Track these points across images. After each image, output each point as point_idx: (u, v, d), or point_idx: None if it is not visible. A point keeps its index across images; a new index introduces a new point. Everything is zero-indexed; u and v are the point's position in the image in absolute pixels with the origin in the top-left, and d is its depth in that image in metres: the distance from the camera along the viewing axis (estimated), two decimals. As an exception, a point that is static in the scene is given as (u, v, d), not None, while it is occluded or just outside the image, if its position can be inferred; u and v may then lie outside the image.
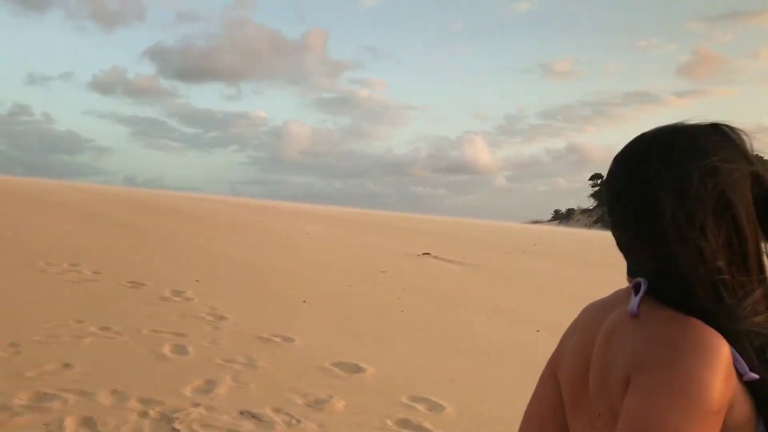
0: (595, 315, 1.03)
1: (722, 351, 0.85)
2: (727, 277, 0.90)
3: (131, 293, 7.80)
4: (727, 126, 0.97)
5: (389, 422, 4.31)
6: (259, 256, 12.53)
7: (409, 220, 37.11)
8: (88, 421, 3.82)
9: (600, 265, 17.99)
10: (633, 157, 0.99)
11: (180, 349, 5.57)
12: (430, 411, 4.64)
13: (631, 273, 1.01)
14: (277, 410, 4.30)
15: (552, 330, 8.01)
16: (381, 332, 7.18)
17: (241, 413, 4.19)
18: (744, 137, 0.97)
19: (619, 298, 1.01)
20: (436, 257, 14.94)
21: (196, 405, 4.24)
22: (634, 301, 0.93)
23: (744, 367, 0.87)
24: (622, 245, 1.01)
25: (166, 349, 5.52)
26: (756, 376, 0.87)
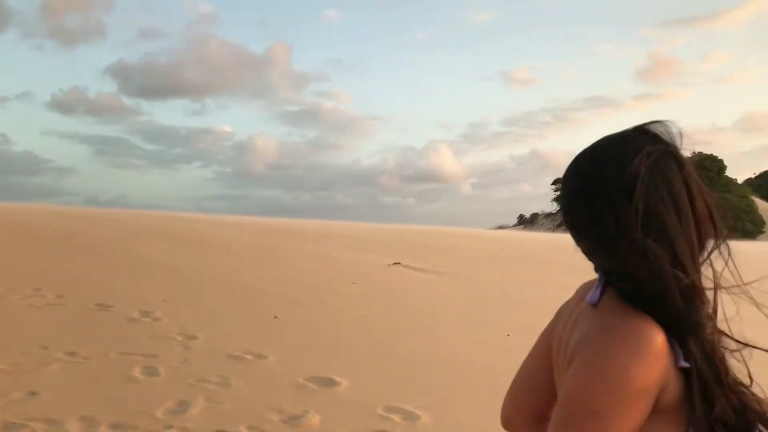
0: (576, 298, 1.13)
1: (653, 340, 0.91)
2: (669, 272, 0.95)
3: (98, 316, 7.64)
4: (659, 127, 1.03)
5: (366, 434, 4.30)
6: (228, 273, 12.39)
7: (378, 230, 37.12)
8: (57, 450, 3.73)
9: (565, 268, 18.26)
10: (580, 165, 1.05)
11: (151, 371, 5.47)
12: (405, 421, 4.64)
13: (595, 267, 1.09)
14: (252, 428, 4.26)
15: (523, 334, 8.08)
16: (354, 344, 7.16)
17: (216, 433, 4.14)
18: (675, 137, 1.03)
19: (588, 286, 1.13)
20: (406, 266, 14.97)
21: (170, 427, 4.17)
22: (594, 292, 1.01)
23: (679, 355, 0.93)
24: (579, 245, 1.09)
25: (137, 372, 5.42)
26: (687, 364, 0.93)
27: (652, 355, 0.90)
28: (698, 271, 0.98)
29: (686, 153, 1.02)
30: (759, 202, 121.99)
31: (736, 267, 1.00)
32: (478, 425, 4.63)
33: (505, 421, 1.28)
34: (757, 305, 1.02)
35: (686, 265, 0.95)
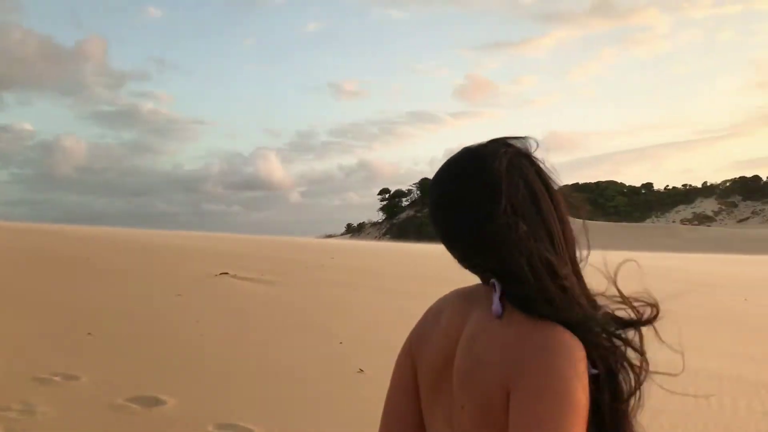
0: (459, 309, 1.08)
1: (581, 352, 0.93)
2: (556, 272, 0.99)
3: None
4: (512, 138, 1.10)
5: (196, 456, 4.03)
6: (32, 286, 11.14)
7: (203, 238, 35.68)
8: None
9: (395, 276, 18.83)
10: (447, 172, 1.08)
11: (-66, 402, 4.70)
12: (239, 438, 4.43)
13: (476, 271, 1.08)
14: (63, 459, 3.80)
15: (354, 342, 8.15)
16: (180, 359, 6.74)
17: (19, 469, 3.63)
18: (527, 144, 1.09)
19: (479, 294, 1.07)
20: (235, 276, 14.50)
21: (-41, 466, 3.58)
22: (496, 303, 0.99)
23: (589, 362, 0.95)
24: (458, 251, 1.07)
25: None
26: (595, 371, 0.95)
27: (584, 366, 0.92)
28: (572, 259, 1.05)
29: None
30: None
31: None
32: (315, 436, 4.54)
33: None
34: (625, 298, 1.05)
35: (557, 247, 1.02)
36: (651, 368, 0.99)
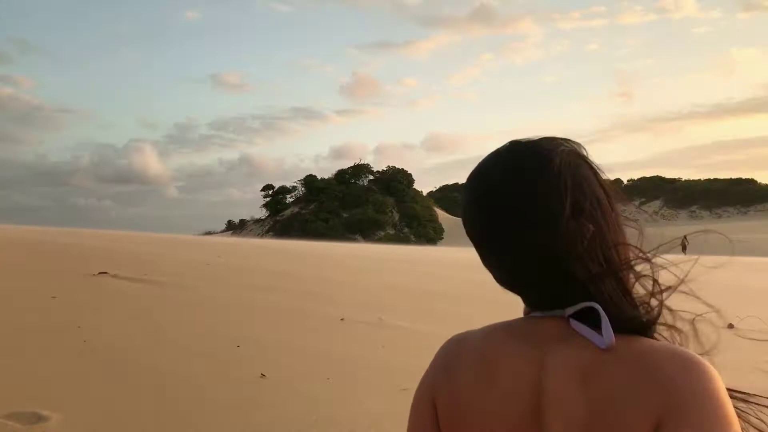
0: (522, 355, 0.92)
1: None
2: (633, 280, 0.92)
3: None
4: (556, 137, 1.00)
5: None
6: None
7: (73, 235, 33.27)
8: None
9: (284, 275, 18.49)
10: (509, 166, 0.94)
11: None
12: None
13: (545, 302, 0.95)
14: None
15: (253, 346, 7.84)
16: (63, 369, 6.17)
17: None
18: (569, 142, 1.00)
19: (542, 330, 0.93)
20: (115, 276, 13.57)
21: None
22: (607, 332, 0.86)
23: None
24: (528, 272, 0.93)
25: None
26: None
27: None
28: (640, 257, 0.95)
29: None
30: (439, 212, 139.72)
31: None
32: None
33: None
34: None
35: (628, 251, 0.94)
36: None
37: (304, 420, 5.20)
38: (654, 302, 0.91)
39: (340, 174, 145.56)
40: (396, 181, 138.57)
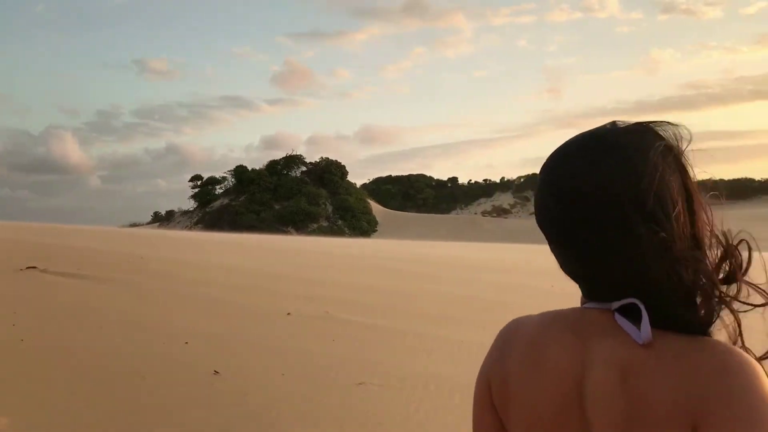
0: (567, 343, 0.93)
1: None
2: (703, 282, 0.90)
3: None
4: (658, 122, 0.97)
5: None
6: None
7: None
8: None
9: (222, 268, 18.12)
10: (591, 157, 0.92)
11: None
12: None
13: (598, 294, 0.95)
14: None
15: (202, 341, 7.67)
16: (3, 371, 5.86)
17: None
18: (679, 133, 0.96)
19: (590, 321, 0.94)
20: (45, 271, 12.95)
21: None
22: (645, 329, 0.87)
23: None
24: (587, 264, 0.93)
25: None
26: None
27: None
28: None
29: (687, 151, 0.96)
30: (373, 204, 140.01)
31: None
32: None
33: None
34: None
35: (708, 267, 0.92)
36: None
37: (264, 417, 5.14)
38: (713, 304, 0.90)
39: (272, 165, 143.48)
40: (329, 172, 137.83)
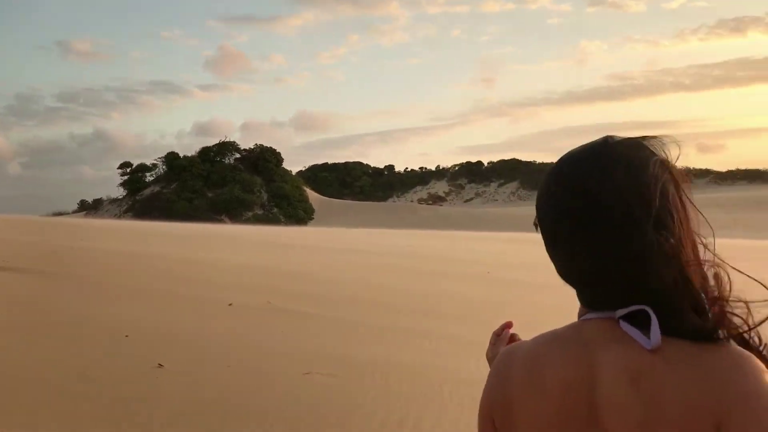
0: (572, 358, 0.95)
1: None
2: (701, 287, 0.92)
3: None
4: (650, 137, 1.00)
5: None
6: None
7: None
8: None
9: (159, 258, 17.69)
10: (595, 169, 0.95)
11: None
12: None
13: (603, 302, 0.96)
14: None
15: (142, 334, 7.51)
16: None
17: None
18: (660, 146, 1.00)
19: (594, 333, 0.95)
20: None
21: None
22: (655, 334, 0.89)
23: None
24: (592, 273, 0.95)
25: None
26: None
27: None
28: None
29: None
30: (309, 192, 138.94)
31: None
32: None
33: None
34: None
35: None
36: None
37: (213, 411, 5.10)
38: (719, 309, 0.92)
39: (205, 151, 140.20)
40: (264, 159, 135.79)
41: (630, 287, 0.92)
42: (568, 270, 0.98)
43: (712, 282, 0.93)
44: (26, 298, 9.60)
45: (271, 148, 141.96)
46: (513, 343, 1.08)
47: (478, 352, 1.08)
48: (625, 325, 0.92)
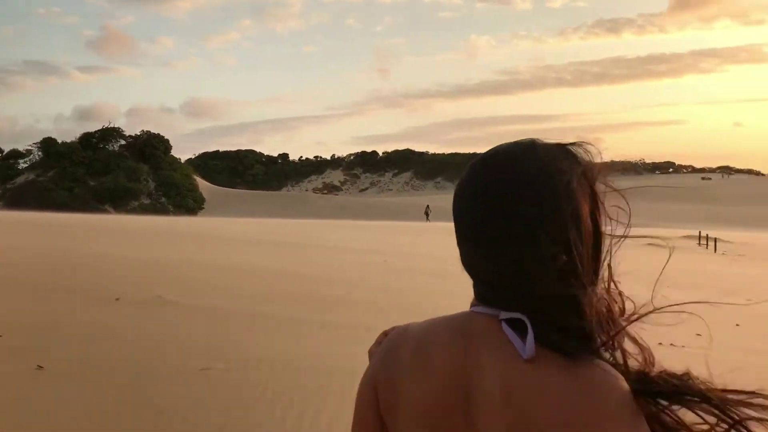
0: (455, 346, 0.96)
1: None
2: (599, 303, 0.95)
3: None
4: (577, 144, 1.02)
5: None
6: None
7: None
8: None
9: (38, 250, 16.55)
10: (512, 173, 0.96)
11: None
12: None
13: (493, 300, 0.98)
14: None
15: (18, 332, 6.97)
16: None
17: None
18: (584, 152, 1.01)
19: (479, 328, 0.97)
20: None
21: None
22: (530, 344, 0.91)
23: None
24: (490, 273, 0.97)
25: None
26: None
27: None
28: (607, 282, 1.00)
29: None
30: (199, 181, 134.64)
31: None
32: None
33: None
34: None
35: (591, 277, 0.97)
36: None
37: (95, 413, 4.81)
38: (606, 332, 0.94)
39: (86, 138, 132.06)
40: (151, 146, 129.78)
41: (520, 294, 0.94)
42: (469, 263, 1.00)
43: (605, 305, 0.96)
44: None
45: (158, 134, 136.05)
46: (406, 324, 1.07)
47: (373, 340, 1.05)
48: (507, 329, 0.94)
